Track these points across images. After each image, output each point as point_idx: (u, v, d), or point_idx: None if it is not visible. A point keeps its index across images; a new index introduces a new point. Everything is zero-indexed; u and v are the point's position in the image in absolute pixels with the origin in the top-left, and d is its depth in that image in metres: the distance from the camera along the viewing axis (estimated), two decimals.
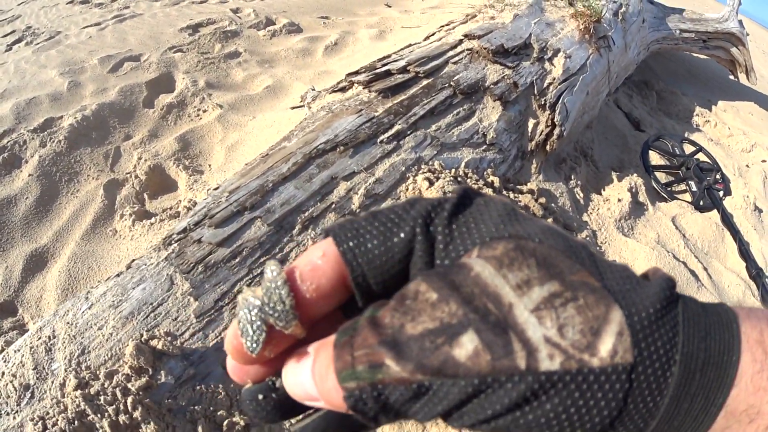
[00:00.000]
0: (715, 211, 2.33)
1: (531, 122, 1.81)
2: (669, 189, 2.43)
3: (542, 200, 1.67)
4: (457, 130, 1.58)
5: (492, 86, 1.72)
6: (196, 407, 0.92)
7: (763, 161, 2.99)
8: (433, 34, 2.02)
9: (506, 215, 0.23)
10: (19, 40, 3.01)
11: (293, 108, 2.25)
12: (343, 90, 1.67)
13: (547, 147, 1.82)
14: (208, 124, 2.25)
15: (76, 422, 0.84)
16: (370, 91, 1.57)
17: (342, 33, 3.34)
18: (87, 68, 2.57)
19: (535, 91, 1.83)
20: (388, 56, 1.76)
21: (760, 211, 2.48)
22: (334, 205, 1.26)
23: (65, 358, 0.91)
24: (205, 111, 2.34)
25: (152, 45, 2.84)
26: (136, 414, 0.87)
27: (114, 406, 0.87)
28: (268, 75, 2.71)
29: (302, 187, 1.26)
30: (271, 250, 1.14)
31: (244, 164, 1.41)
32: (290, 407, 0.24)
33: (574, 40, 2.12)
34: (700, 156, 2.69)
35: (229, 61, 2.80)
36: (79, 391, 0.86)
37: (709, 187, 2.43)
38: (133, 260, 1.09)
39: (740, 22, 3.75)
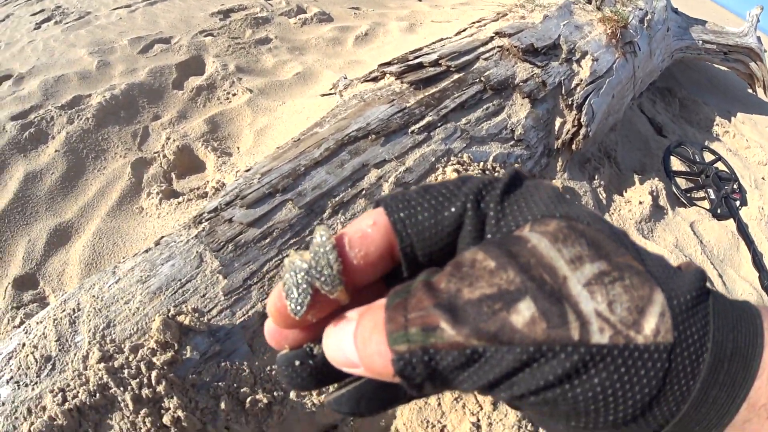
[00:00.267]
0: (731, 219, 2.35)
1: (558, 121, 1.83)
2: (688, 195, 2.44)
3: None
4: (486, 125, 1.61)
5: (521, 84, 1.74)
6: (219, 383, 0.93)
7: None
8: (464, 30, 2.05)
9: (555, 197, 0.24)
10: (48, 19, 3.01)
11: (323, 95, 2.26)
12: (375, 80, 1.70)
13: (573, 146, 1.85)
14: (238, 107, 2.27)
15: (97, 395, 0.83)
16: (402, 82, 1.60)
17: (372, 24, 3.35)
18: (117, 48, 2.58)
19: (563, 91, 1.85)
20: (420, 49, 1.78)
21: None
22: (364, 192, 1.27)
23: (89, 331, 0.90)
24: (234, 95, 2.36)
25: (183, 28, 2.86)
26: (160, 388, 0.86)
27: (137, 380, 0.86)
28: (298, 62, 2.71)
29: (334, 173, 1.27)
30: (301, 233, 1.15)
31: (276, 147, 1.42)
32: (326, 375, 0.24)
33: (602, 44, 2.14)
34: (719, 165, 2.70)
35: (259, 46, 2.81)
36: (102, 364, 0.86)
37: (726, 196, 2.44)
38: (162, 237, 1.10)
39: (758, 38, 3.80)
